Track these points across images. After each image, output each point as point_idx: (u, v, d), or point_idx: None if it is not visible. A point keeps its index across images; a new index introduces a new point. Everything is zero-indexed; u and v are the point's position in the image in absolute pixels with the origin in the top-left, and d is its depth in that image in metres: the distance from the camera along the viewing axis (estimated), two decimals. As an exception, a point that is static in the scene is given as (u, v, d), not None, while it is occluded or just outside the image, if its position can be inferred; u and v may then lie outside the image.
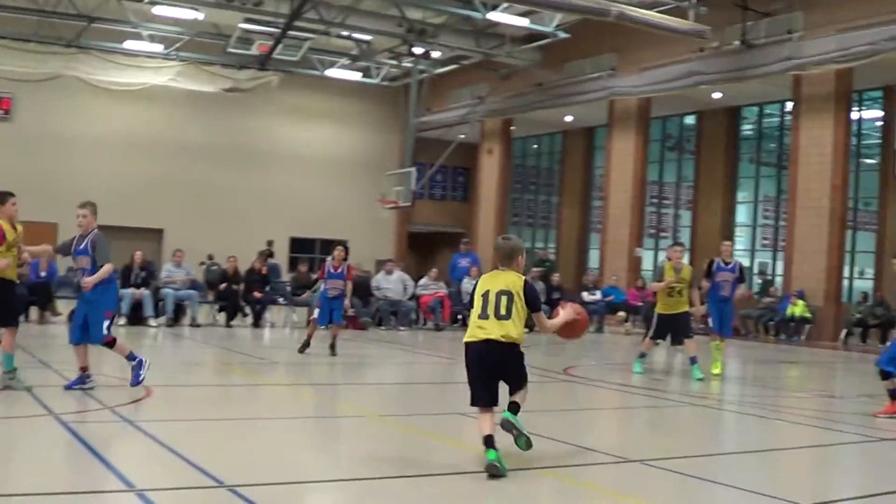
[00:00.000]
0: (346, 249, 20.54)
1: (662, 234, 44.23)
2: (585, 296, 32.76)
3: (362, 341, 20.27)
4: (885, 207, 34.75)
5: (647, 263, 41.65)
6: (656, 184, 43.79)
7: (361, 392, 15.39)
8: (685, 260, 19.10)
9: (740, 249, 39.00)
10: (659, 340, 18.82)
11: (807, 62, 30.49)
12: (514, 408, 9.26)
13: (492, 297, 9.21)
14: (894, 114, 27.00)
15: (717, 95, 37.46)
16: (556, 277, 32.79)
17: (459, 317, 30.18)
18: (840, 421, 14.01)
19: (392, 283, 28.66)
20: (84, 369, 12.91)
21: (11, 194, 12.71)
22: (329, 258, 20.07)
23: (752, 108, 40.19)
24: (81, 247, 12.96)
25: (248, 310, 27.26)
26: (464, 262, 31.02)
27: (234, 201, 45.16)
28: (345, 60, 43.83)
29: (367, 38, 40.37)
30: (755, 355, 20.77)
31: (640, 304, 33.16)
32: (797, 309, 31.41)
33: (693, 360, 17.96)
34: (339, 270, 19.66)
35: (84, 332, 12.93)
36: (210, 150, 45.28)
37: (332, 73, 44.36)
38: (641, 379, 17.64)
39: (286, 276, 34.00)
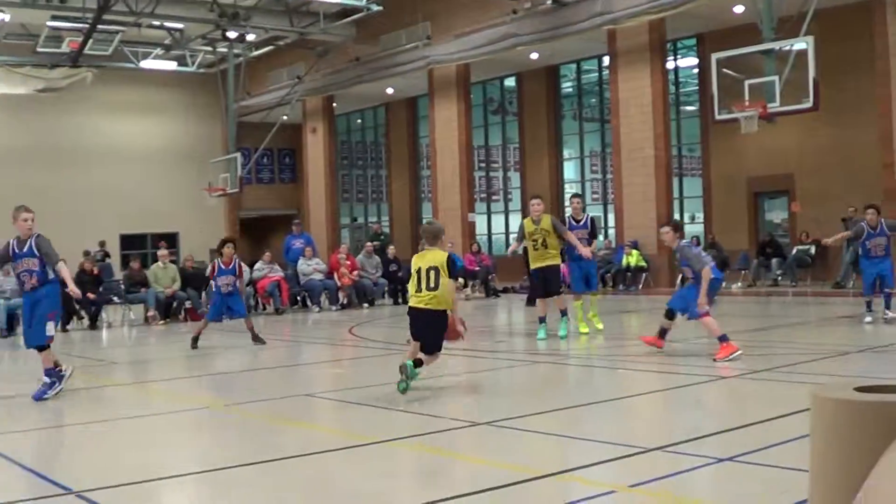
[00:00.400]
0: (234, 244, 20.60)
1: (494, 198, 44.63)
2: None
3: (202, 332, 20.06)
4: (707, 152, 35.48)
5: (481, 228, 42.01)
6: (483, 148, 44.15)
7: (205, 383, 15.22)
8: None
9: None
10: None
11: (619, 15, 30.94)
12: (418, 362, 11.73)
13: (423, 274, 11.87)
14: (708, 60, 27.51)
15: (534, 56, 37.79)
16: (391, 250, 32.75)
17: (299, 298, 30.04)
18: (684, 364, 14.26)
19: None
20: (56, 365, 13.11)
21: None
22: (218, 258, 20.06)
23: (570, 65, 40.73)
24: (25, 249, 13.03)
25: (83, 312, 26.73)
26: (297, 244, 30.84)
27: (58, 203, 44.10)
28: (159, 51, 43.27)
29: (180, 26, 39.87)
30: (596, 307, 21.03)
31: (478, 268, 33.37)
32: (632, 259, 31.94)
33: (563, 313, 18.05)
34: (231, 267, 19.62)
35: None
36: (28, 153, 44.35)
37: (146, 64, 43.75)
38: (544, 344, 17.37)
39: (119, 275, 33.45)
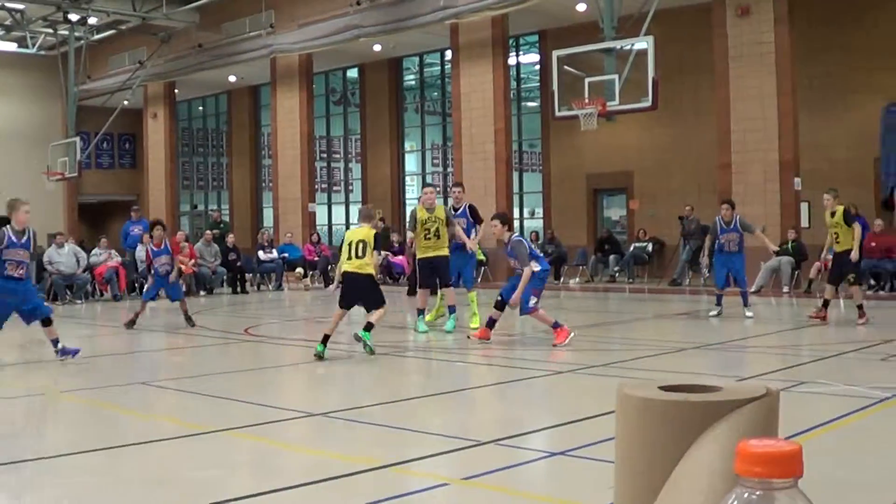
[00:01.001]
0: (164, 226, 21.19)
1: (335, 188, 44.59)
2: (262, 254, 32.64)
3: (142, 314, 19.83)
4: (547, 148, 35.89)
5: (322, 218, 41.95)
6: (324, 139, 44.05)
7: (41, 369, 14.99)
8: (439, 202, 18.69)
9: (412, 198, 39.63)
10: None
11: (462, 10, 31.10)
12: (368, 327, 14.14)
13: (353, 245, 14.45)
14: (549, 57, 27.80)
15: (377, 48, 37.84)
16: (230, 238, 32.52)
17: (137, 285, 29.69)
18: (521, 358, 14.47)
19: (64, 257, 27.87)
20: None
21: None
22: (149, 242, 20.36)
23: (413, 58, 40.84)
24: (24, 240, 14.10)
25: None
26: (136, 230, 30.46)
27: None
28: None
29: (21, 6, 39.02)
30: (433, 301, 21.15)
31: (317, 258, 33.35)
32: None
33: (451, 310, 17.75)
34: (163, 247, 20.13)
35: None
36: None
37: (-15, 44, 42.84)
38: (423, 337, 17.26)
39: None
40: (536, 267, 15.07)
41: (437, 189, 18.20)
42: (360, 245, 14.46)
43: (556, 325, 15.05)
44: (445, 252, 17.69)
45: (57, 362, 14.58)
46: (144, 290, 20.56)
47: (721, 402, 2.33)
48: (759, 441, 1.65)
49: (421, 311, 17.91)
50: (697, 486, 2.20)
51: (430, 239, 17.58)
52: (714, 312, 19.66)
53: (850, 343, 15.19)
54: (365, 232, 14.62)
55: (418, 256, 17.97)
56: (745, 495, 1.65)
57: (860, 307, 17.77)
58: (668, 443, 2.28)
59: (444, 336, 17.27)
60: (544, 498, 6.78)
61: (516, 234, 16.06)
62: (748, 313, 19.34)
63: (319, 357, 13.88)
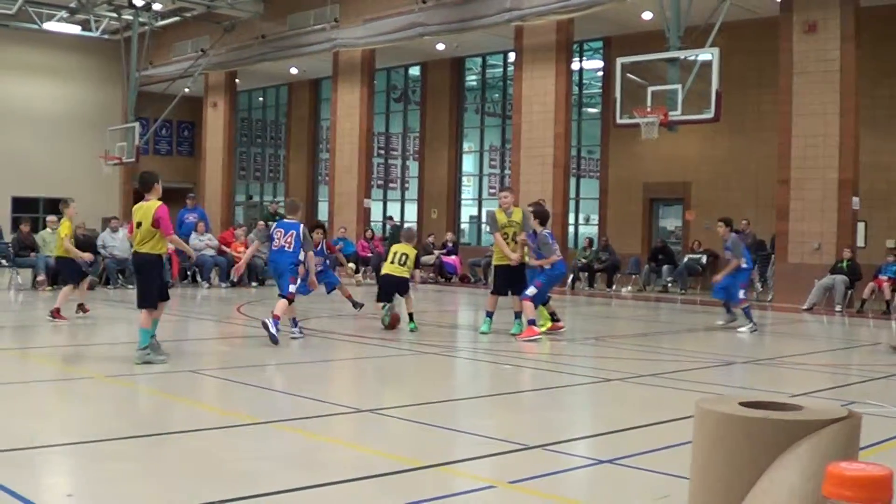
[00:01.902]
0: (324, 230, 21.62)
1: (391, 185, 44.61)
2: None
3: (90, 301, 19.79)
4: (606, 155, 35.78)
5: (377, 214, 41.98)
6: (383, 135, 44.07)
7: (90, 353, 15.04)
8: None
9: (468, 199, 39.62)
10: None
11: (528, 13, 31.04)
12: (411, 317, 17.60)
13: (398, 255, 17.67)
14: (613, 64, 27.68)
15: (440, 47, 37.82)
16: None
17: (189, 273, 29.78)
18: (569, 364, 14.37)
19: (118, 241, 27.95)
20: None
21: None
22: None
23: (475, 58, 40.79)
24: None
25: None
26: (190, 218, 30.56)
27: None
28: (63, 13, 42.57)
29: (86, -11, 39.33)
30: (484, 302, 21.03)
31: (370, 254, 33.34)
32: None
33: (517, 315, 17.31)
34: (319, 249, 19.75)
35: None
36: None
37: (50, 26, 43.05)
38: (485, 338, 16.96)
39: (8, 237, 32.91)
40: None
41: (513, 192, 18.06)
42: (403, 256, 17.78)
43: (531, 322, 16.48)
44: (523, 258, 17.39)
45: (104, 347, 14.60)
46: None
47: (804, 422, 2.24)
48: (850, 464, 1.56)
49: (489, 314, 17.55)
50: (777, 504, 2.12)
51: (508, 244, 17.32)
52: (720, 322, 20.33)
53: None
54: (408, 249, 17.98)
55: (495, 262, 17.82)
56: (831, 518, 1.56)
57: None
58: (748, 460, 2.20)
59: (499, 339, 17.19)
60: (591, 506, 6.70)
61: (546, 228, 17.27)
62: (741, 329, 19.34)
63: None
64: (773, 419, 2.26)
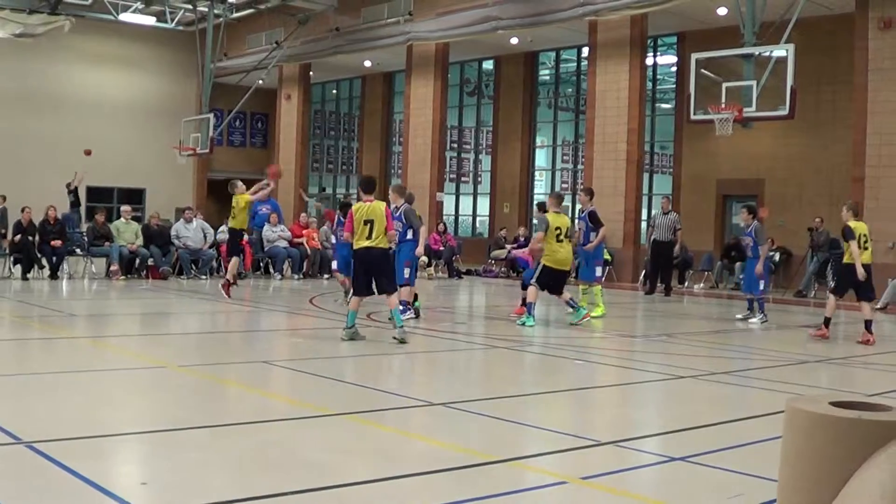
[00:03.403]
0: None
1: (463, 179, 44.62)
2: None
3: (163, 291, 19.95)
4: (679, 151, 35.56)
5: (449, 208, 42.02)
6: (456, 128, 44.10)
7: (163, 343, 15.16)
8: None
9: (540, 193, 39.55)
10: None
11: (602, 7, 30.91)
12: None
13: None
14: (688, 59, 27.53)
15: (514, 41, 37.75)
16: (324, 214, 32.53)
17: (262, 264, 29.97)
18: (641, 361, 14.32)
19: (191, 232, 28.18)
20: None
21: None
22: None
23: (549, 53, 40.69)
24: None
25: (44, 261, 26.54)
26: (264, 209, 30.67)
27: (26, 150, 43.80)
28: (139, 4, 42.84)
29: (162, -18, 39.61)
30: (557, 298, 21.00)
31: (442, 248, 33.37)
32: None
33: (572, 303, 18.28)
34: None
35: None
36: (0, 98, 43.93)
37: (125, 17, 43.32)
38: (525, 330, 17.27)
39: (83, 227, 33.21)
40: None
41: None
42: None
43: (529, 307, 17.76)
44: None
45: (177, 337, 14.71)
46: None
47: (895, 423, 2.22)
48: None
49: (530, 305, 17.99)
50: (869, 504, 2.10)
51: (562, 242, 18.03)
52: (754, 319, 20.30)
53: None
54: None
55: (546, 263, 18.10)
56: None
57: None
58: (839, 460, 2.18)
59: (563, 332, 17.17)
60: (664, 503, 6.66)
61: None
62: (752, 320, 19.84)
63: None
64: (865, 419, 2.24)
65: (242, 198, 22.00)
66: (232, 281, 21.79)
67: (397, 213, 17.22)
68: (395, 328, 14.38)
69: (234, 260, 22.42)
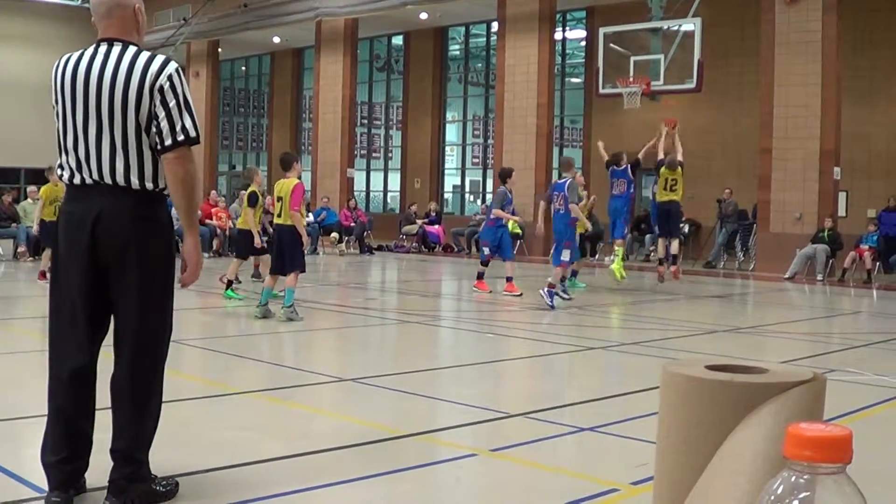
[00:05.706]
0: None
1: (374, 155, 44.60)
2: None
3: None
4: (589, 125, 35.78)
5: (360, 184, 41.98)
6: (366, 104, 44.07)
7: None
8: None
9: (451, 168, 39.65)
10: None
11: (511, -18, 31.05)
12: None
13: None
14: (596, 34, 27.71)
15: (423, 16, 37.74)
16: (268, 200, 32.43)
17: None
18: (553, 333, 14.43)
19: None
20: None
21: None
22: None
23: (458, 28, 40.74)
24: None
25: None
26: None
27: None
28: (42, -18, 42.40)
29: (66, -42, 39.15)
30: (468, 272, 21.07)
31: (353, 224, 33.33)
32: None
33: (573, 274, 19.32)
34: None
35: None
36: None
37: (29, -6, 42.88)
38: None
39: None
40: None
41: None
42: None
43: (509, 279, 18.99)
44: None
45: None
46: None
47: (768, 385, 2.29)
48: (810, 425, 1.61)
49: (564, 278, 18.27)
50: (741, 467, 2.16)
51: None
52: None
53: (880, 333, 15.09)
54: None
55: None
56: (793, 478, 1.61)
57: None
58: (713, 423, 2.25)
59: (482, 307, 17.28)
60: (573, 473, 6.74)
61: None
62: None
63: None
64: (737, 382, 2.30)
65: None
66: None
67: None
68: (283, 308, 14.27)
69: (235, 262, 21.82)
